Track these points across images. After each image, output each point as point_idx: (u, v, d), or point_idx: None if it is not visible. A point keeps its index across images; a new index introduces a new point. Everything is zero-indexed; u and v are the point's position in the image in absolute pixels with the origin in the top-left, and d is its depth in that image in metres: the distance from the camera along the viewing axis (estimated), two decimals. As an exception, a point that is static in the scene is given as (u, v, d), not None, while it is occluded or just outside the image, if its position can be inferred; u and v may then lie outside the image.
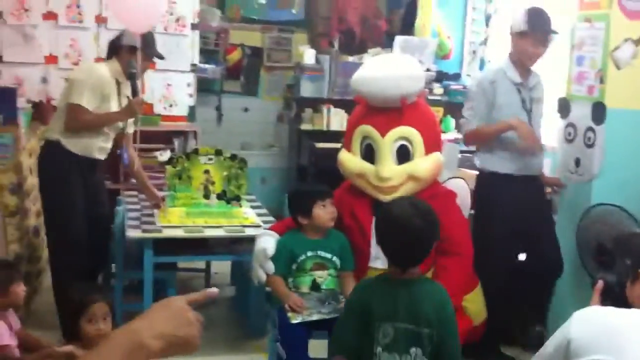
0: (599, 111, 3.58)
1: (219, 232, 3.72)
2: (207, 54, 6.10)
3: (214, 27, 6.07)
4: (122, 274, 3.91)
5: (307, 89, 6.05)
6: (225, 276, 4.69)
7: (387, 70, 3.13)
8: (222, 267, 4.69)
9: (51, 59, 5.21)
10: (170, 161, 4.15)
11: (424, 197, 3.05)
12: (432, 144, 3.22)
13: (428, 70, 5.96)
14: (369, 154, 3.19)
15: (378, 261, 3.02)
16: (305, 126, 6.04)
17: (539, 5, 3.76)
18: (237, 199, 4.14)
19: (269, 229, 3.36)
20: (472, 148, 5.35)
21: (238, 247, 3.79)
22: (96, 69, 3.85)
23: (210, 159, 4.14)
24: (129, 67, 3.82)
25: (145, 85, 5.08)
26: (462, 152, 5.26)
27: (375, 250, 3.03)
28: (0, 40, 5.07)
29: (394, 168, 3.13)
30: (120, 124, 3.97)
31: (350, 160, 3.24)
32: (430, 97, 5.86)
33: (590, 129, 3.65)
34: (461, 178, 3.69)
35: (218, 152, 4.15)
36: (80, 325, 2.35)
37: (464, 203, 3.49)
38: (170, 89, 5.51)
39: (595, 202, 3.53)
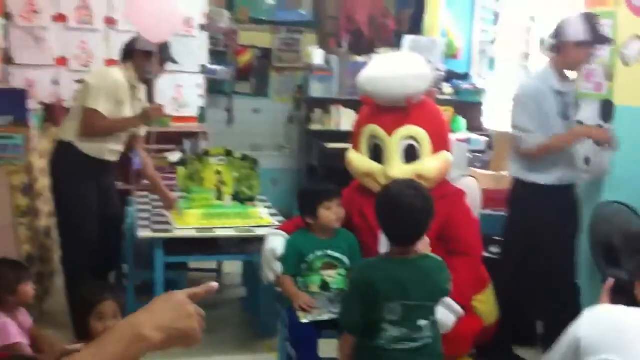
0: (607, 109, 3.57)
1: (230, 232, 3.73)
2: (216, 55, 6.12)
3: (223, 29, 6.09)
4: (133, 273, 3.93)
5: (316, 90, 6.06)
6: (237, 276, 4.71)
7: (393, 69, 3.13)
8: (233, 267, 4.71)
9: (61, 61, 5.27)
10: (181, 162, 4.17)
11: (434, 197, 3.07)
12: (440, 143, 3.21)
13: (437, 69, 5.96)
14: (377, 153, 3.18)
15: (387, 260, 3.02)
16: (314, 126, 6.06)
17: (546, 3, 3.73)
18: (251, 199, 4.15)
19: (279, 228, 3.37)
20: (481, 147, 5.40)
21: (249, 247, 3.80)
22: (111, 74, 3.88)
23: (221, 160, 4.15)
24: (145, 73, 3.85)
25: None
26: (472, 151, 5.27)
27: (383, 249, 3.03)
28: (11, 42, 5.12)
29: (402, 167, 3.12)
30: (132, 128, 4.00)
31: (358, 160, 3.24)
32: (439, 97, 5.86)
33: (598, 126, 3.64)
34: (471, 177, 3.69)
35: (228, 153, 4.16)
36: (90, 324, 2.37)
37: (474, 202, 3.49)
38: (180, 90, 5.55)
39: (605, 200, 3.52)
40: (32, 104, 4.95)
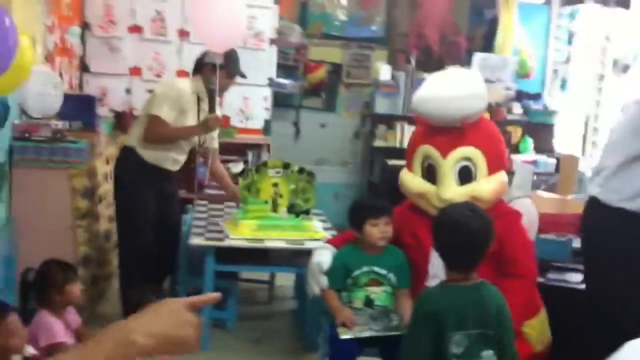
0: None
1: (280, 244, 3.74)
2: (286, 69, 6.18)
3: (293, 43, 6.15)
4: (186, 280, 3.99)
5: (381, 106, 6.04)
6: (289, 289, 4.71)
7: (447, 89, 3.03)
8: (286, 279, 4.71)
9: (135, 71, 5.43)
10: (243, 173, 4.22)
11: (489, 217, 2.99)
12: (496, 164, 3.12)
13: (507, 89, 5.85)
14: (431, 174, 3.12)
15: (436, 280, 2.95)
16: (378, 142, 6.03)
17: (608, 23, 3.55)
18: (307, 212, 4.15)
19: (328, 241, 3.35)
20: (549, 170, 5.23)
21: (300, 259, 3.79)
22: (177, 83, 4.01)
23: (278, 172, 4.16)
24: (209, 84, 3.95)
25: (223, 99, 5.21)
26: (538, 174, 5.13)
27: (433, 269, 2.98)
28: (87, 51, 5.33)
29: (456, 189, 3.04)
30: (196, 139, 4.09)
31: (412, 180, 3.18)
32: (509, 117, 5.74)
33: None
34: (528, 197, 3.57)
35: (286, 166, 4.18)
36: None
37: (531, 224, 3.37)
38: (247, 102, 5.63)
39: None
40: (104, 112, 5.16)
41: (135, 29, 5.41)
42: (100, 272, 4.06)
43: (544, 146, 5.71)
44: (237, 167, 5.11)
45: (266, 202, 4.03)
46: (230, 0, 3.90)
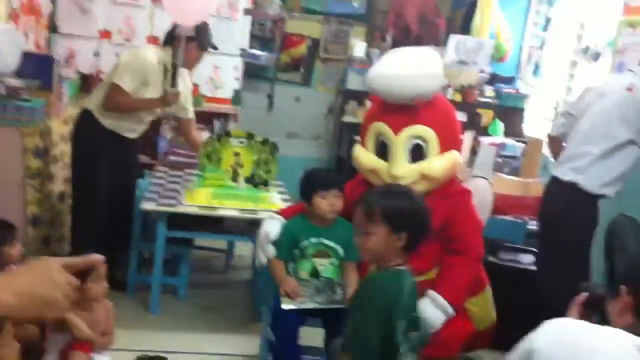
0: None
1: (233, 212, 3.72)
2: (262, 40, 6.13)
3: (270, 15, 6.08)
4: (138, 245, 3.97)
5: (354, 82, 6.02)
6: (248, 259, 4.70)
7: (403, 67, 3.00)
8: (245, 249, 4.69)
9: (105, 34, 5.35)
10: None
11: (437, 195, 2.98)
12: (449, 143, 3.11)
13: (482, 71, 5.82)
14: (383, 150, 3.11)
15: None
16: (347, 118, 6.00)
17: (584, 11, 3.56)
18: (265, 183, 4.14)
19: (279, 212, 3.34)
20: (516, 153, 5.22)
21: (256, 229, 3.77)
22: (143, 53, 3.96)
23: (241, 142, 4.14)
24: (173, 58, 3.90)
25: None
26: (504, 156, 5.12)
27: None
28: (57, 11, 5.24)
29: (407, 167, 3.03)
30: (158, 111, 4.06)
31: (364, 156, 3.17)
32: (480, 99, 5.72)
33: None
34: (484, 178, 3.56)
35: (250, 136, 4.16)
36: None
37: (483, 204, 3.37)
38: (217, 71, 5.57)
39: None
40: (70, 73, 5.10)
41: (107, -8, 5.33)
42: (53, 233, 4.03)
43: (514, 130, 5.70)
44: (203, 136, 5.07)
45: (224, 172, 4.02)
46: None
